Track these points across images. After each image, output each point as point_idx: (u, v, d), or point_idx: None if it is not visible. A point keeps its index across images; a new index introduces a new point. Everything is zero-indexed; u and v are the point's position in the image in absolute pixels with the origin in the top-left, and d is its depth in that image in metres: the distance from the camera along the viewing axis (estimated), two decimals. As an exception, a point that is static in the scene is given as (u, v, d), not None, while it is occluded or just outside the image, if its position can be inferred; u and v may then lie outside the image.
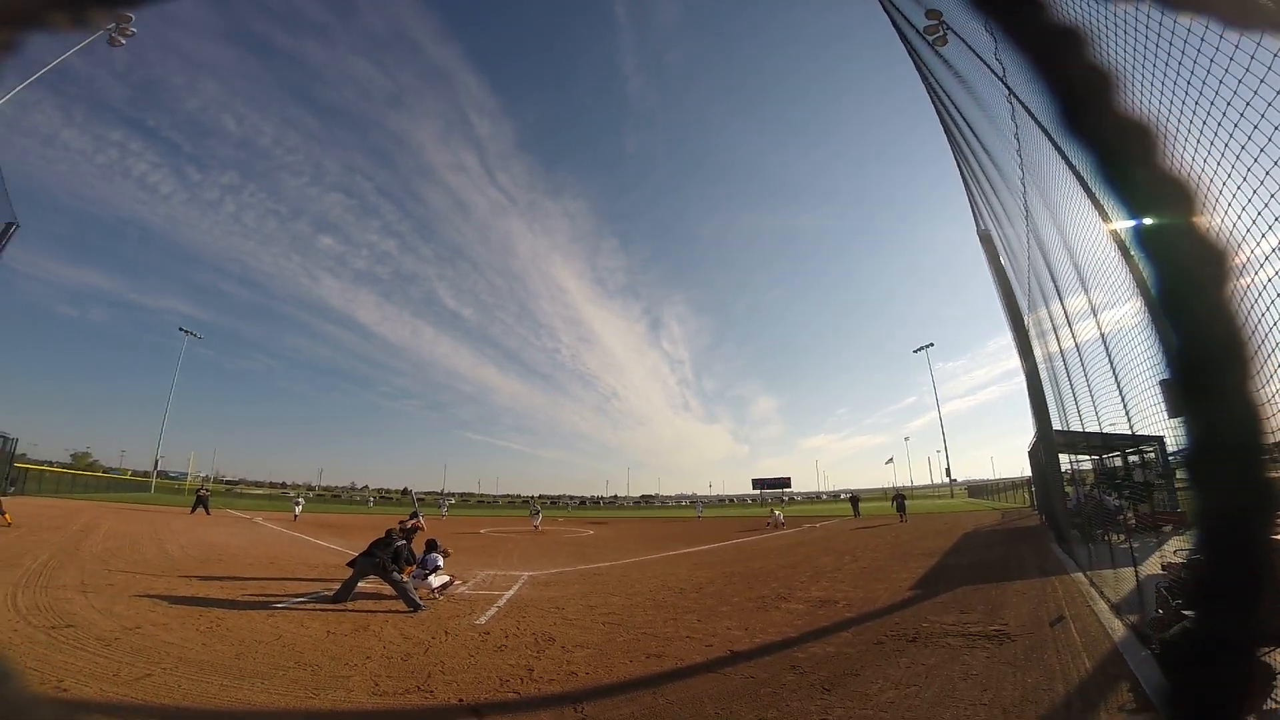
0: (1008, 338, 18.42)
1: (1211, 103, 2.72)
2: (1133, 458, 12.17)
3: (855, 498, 36.63)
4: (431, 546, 9.72)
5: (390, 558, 8.50)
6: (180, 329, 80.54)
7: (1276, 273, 2.68)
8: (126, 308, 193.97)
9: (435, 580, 9.22)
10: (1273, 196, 2.58)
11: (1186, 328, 0.39)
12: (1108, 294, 6.75)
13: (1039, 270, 10.68)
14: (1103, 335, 7.39)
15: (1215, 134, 2.77)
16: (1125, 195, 0.41)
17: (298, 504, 32.57)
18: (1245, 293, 2.76)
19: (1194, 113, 2.83)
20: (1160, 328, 0.40)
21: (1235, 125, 2.64)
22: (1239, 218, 2.72)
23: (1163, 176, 0.41)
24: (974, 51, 7.29)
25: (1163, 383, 5.93)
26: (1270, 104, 2.44)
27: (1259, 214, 2.66)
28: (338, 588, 8.85)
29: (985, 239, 17.08)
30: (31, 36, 0.46)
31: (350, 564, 8.82)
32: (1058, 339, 11.24)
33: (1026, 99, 6.46)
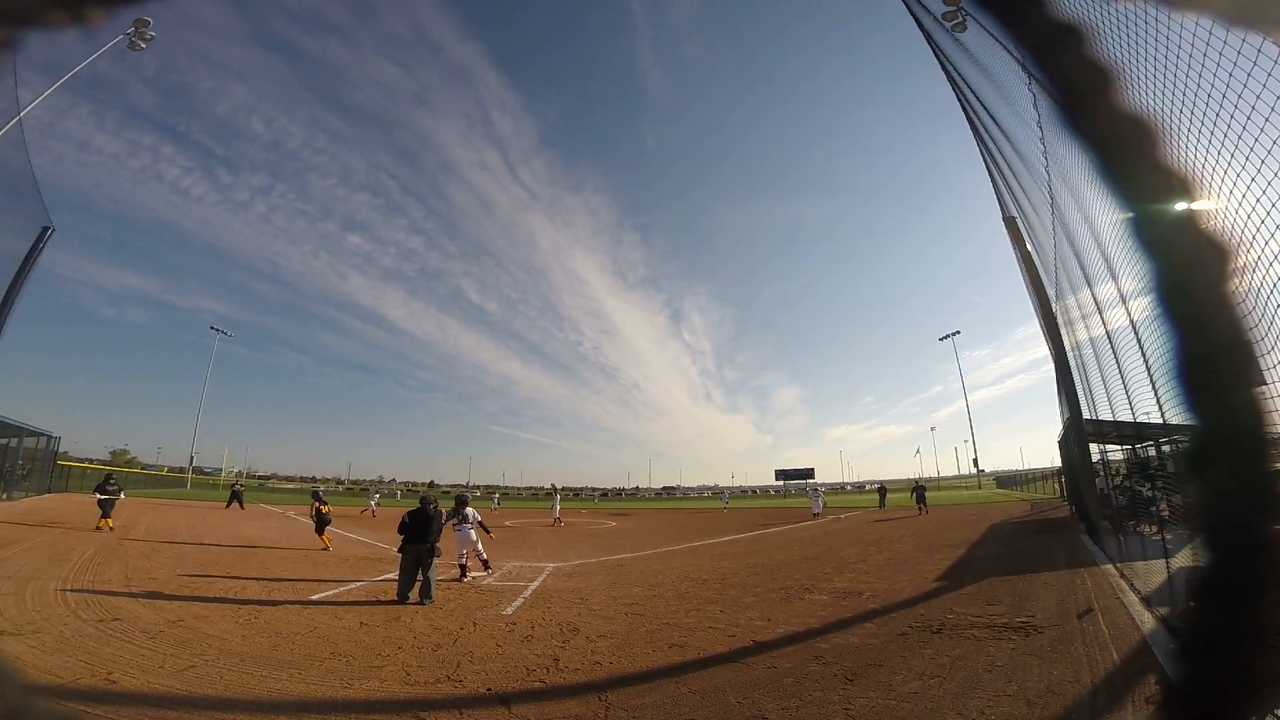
0: (1035, 326, 18.10)
1: (1209, 95, 2.67)
2: (1166, 447, 11.91)
3: (883, 489, 36.22)
4: (463, 502, 10.57)
5: (435, 541, 8.57)
6: (212, 327, 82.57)
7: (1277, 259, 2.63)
8: (162, 308, 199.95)
9: (474, 535, 10.24)
10: (1270, 185, 2.54)
11: (1188, 324, 0.39)
12: (1138, 281, 6.62)
13: (1065, 258, 10.47)
14: (1133, 322, 7.25)
15: (1213, 131, 2.72)
16: (1125, 191, 0.41)
17: (374, 498, 33.51)
18: (1247, 288, 2.71)
19: (1194, 109, 2.78)
20: (1163, 323, 0.40)
21: (1230, 118, 2.60)
22: (1238, 213, 2.68)
23: (1163, 172, 0.40)
24: (994, 37, 7.17)
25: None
26: (1264, 98, 2.40)
27: (1254, 208, 2.61)
28: (398, 584, 8.40)
29: (1010, 224, 16.73)
30: (32, 35, 0.45)
31: (401, 550, 8.49)
32: (1086, 327, 11.02)
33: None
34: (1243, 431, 0.38)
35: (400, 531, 8.63)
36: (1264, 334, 2.63)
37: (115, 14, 0.55)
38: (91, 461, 54.99)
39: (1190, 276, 0.40)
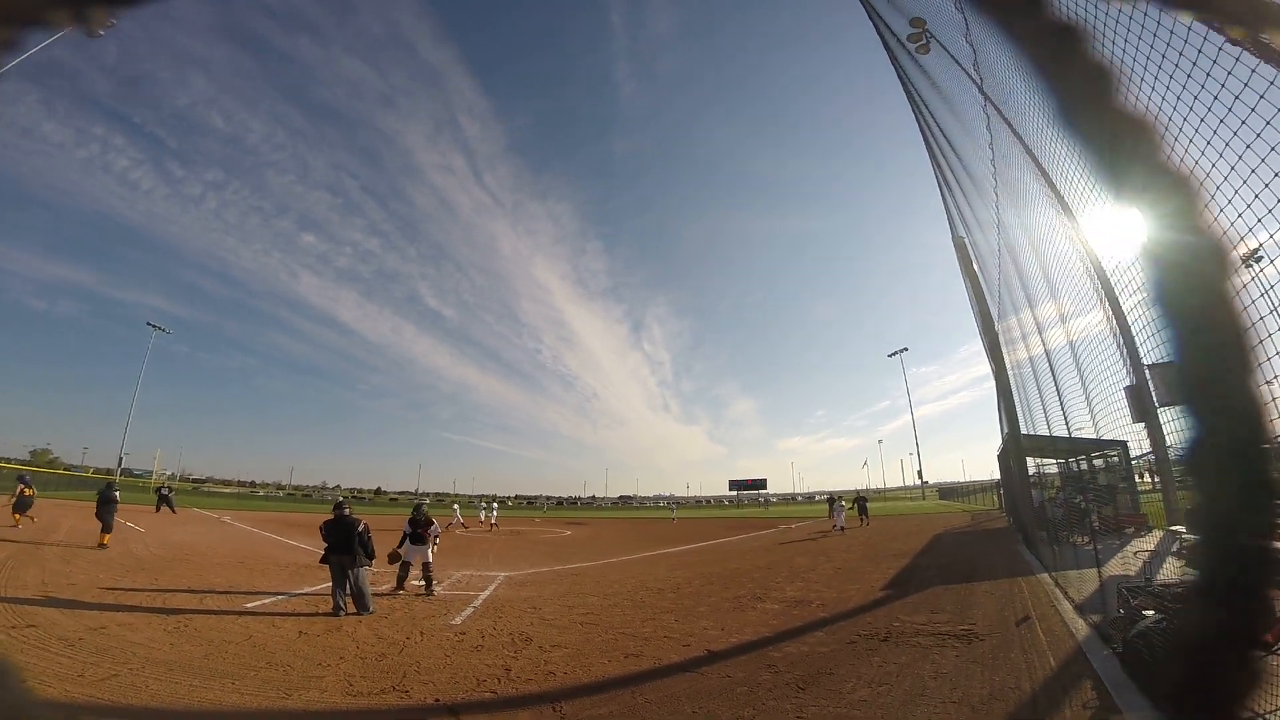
0: (978, 344, 18.82)
1: (1195, 96, 2.79)
2: (1097, 461, 12.51)
3: (833, 499, 36.95)
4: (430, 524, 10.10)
5: (364, 551, 8.14)
6: (148, 323, 77.91)
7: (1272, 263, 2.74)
8: (98, 302, 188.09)
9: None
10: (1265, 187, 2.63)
11: (1186, 325, 0.39)
12: (1074, 303, 6.96)
13: (1009, 279, 10.94)
14: (1070, 343, 7.62)
15: (1200, 129, 2.83)
16: (1125, 192, 0.41)
17: (492, 510, 30.74)
18: (1245, 290, 2.83)
19: (1195, 110, 2.88)
20: (1161, 325, 0.40)
21: (1223, 119, 2.71)
22: (1231, 212, 2.77)
23: (1163, 173, 0.40)
24: (954, 59, 7.46)
25: (1127, 389, 6.13)
26: (1263, 96, 2.50)
27: (1248, 206, 2.71)
28: (332, 596, 7.96)
29: (960, 246, 17.42)
30: (32, 34, 0.45)
31: (324, 561, 8.17)
32: (1026, 346, 11.53)
33: (1006, 107, 6.62)
34: (1241, 434, 0.37)
35: (324, 540, 8.23)
36: (1263, 334, 2.72)
37: (117, 14, 0.53)
38: (9, 460, 51.34)
39: (1189, 276, 0.39)
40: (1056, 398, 9.25)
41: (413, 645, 6.43)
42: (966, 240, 16.25)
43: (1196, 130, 2.82)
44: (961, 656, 5.74)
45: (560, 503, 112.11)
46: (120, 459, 67.96)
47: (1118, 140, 0.40)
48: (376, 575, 9.24)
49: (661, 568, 13.68)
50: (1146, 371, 5.69)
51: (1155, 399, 5.58)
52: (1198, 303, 0.39)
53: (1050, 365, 9.45)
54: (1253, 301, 2.79)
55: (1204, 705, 0.37)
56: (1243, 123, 2.59)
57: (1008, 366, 15.43)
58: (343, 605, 7.79)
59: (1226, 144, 2.68)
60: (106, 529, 13.97)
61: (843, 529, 24.28)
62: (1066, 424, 8.88)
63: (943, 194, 15.86)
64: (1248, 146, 2.60)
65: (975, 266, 16.42)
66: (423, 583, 9.68)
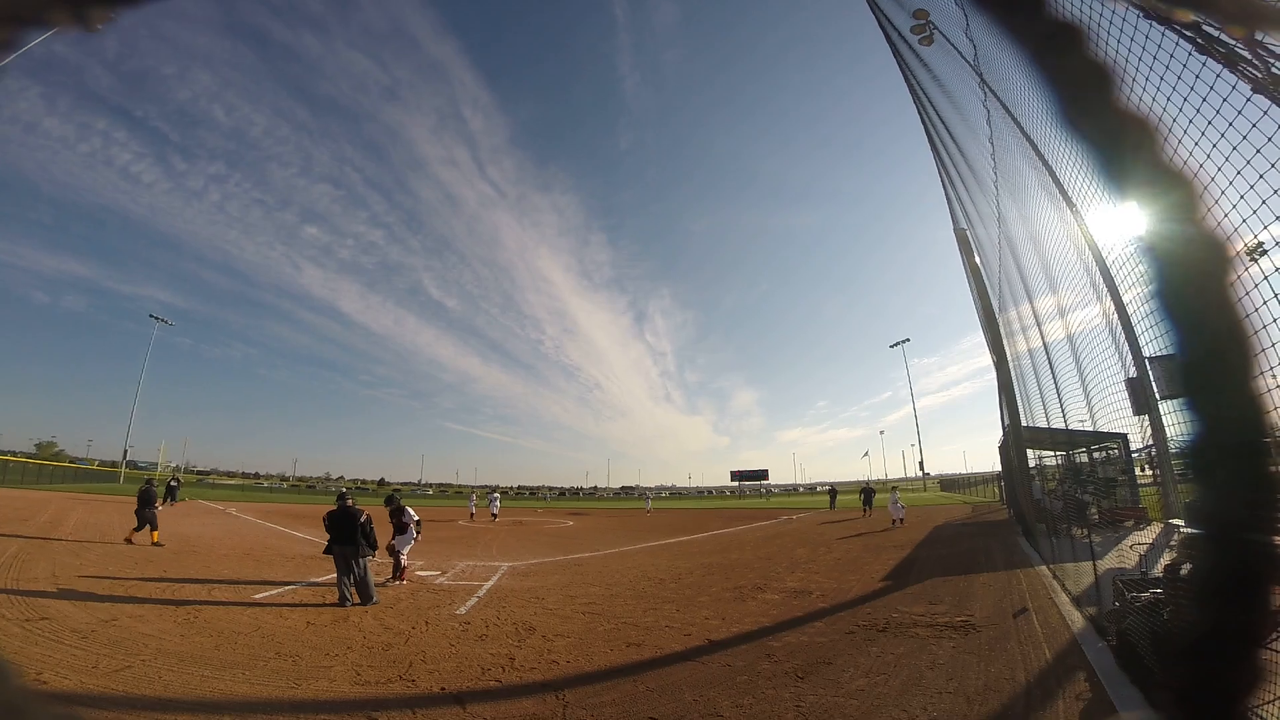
0: (979, 336, 18.81)
1: (1191, 98, 2.82)
2: (1097, 454, 12.57)
3: (834, 490, 37.16)
4: (404, 511, 10.12)
5: (367, 542, 8.21)
6: (151, 315, 78.12)
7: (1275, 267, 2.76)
8: (102, 295, 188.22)
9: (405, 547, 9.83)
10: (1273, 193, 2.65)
11: (1187, 323, 0.39)
12: (1074, 295, 6.99)
13: (1009, 272, 10.96)
14: (1069, 336, 7.66)
15: (1205, 128, 2.86)
16: (1126, 190, 0.41)
17: (494, 500, 29.38)
18: (1246, 287, 2.82)
19: (1195, 109, 2.90)
20: (1162, 323, 0.40)
21: (1225, 122, 2.74)
22: (1233, 210, 2.79)
23: (1163, 171, 0.40)
24: (957, 50, 7.45)
25: (1128, 381, 6.17)
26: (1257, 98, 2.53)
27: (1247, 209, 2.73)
28: (338, 591, 8.01)
29: (961, 237, 17.39)
30: (32, 34, 0.45)
31: (328, 552, 8.25)
32: (1026, 339, 11.57)
33: (1008, 100, 6.63)
34: (1243, 431, 0.37)
35: (327, 532, 8.32)
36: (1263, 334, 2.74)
37: (117, 14, 0.55)
38: (15, 453, 51.67)
39: (1189, 274, 0.40)
40: (1055, 391, 9.31)
41: (418, 635, 6.54)
42: (968, 232, 16.25)
43: (1190, 125, 2.84)
44: (958, 648, 5.83)
45: (562, 493, 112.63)
46: (125, 451, 68.37)
47: (1118, 139, 0.41)
48: (380, 566, 9.35)
49: (663, 558, 13.80)
50: (1148, 364, 5.70)
51: (1157, 392, 5.57)
52: (1198, 298, 0.39)
53: (1049, 358, 9.49)
54: (1253, 295, 2.81)
55: (1205, 703, 0.37)
56: (1235, 123, 2.62)
57: (1009, 359, 15.46)
58: (348, 595, 7.90)
59: (1233, 148, 2.70)
60: (153, 526, 13.38)
61: (901, 521, 21.11)
62: (1064, 417, 8.95)
63: (944, 186, 15.84)
64: (1239, 154, 2.63)
65: (977, 259, 16.42)
66: (430, 573, 9.78)
